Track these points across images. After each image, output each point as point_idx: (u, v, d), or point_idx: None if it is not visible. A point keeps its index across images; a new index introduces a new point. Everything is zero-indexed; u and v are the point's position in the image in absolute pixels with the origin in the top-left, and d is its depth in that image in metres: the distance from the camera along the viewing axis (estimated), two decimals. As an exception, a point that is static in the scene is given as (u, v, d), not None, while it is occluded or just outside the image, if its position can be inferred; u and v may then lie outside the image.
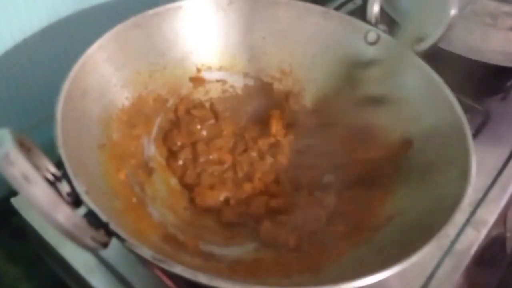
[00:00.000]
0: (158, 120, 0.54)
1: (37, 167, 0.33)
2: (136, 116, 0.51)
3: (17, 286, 0.57)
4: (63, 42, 0.56)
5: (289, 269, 0.42)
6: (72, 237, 0.28)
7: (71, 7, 0.56)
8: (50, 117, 0.39)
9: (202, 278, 0.31)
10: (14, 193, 0.49)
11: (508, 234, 0.60)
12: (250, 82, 0.59)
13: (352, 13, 0.57)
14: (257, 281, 0.39)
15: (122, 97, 0.50)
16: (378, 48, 0.54)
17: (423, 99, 0.50)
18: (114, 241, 0.34)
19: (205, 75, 0.57)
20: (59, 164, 0.35)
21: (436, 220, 0.39)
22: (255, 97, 0.59)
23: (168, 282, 0.45)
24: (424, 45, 0.52)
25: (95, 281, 0.46)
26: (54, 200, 0.27)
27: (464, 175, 0.41)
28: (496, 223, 0.54)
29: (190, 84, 0.57)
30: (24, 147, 0.32)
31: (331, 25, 0.56)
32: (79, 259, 0.47)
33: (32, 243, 0.54)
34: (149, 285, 0.45)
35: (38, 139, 0.36)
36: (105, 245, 0.32)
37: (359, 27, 0.55)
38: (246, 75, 0.59)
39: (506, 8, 0.61)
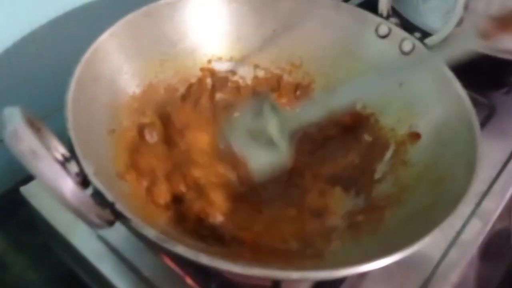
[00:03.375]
0: (168, 109, 0.54)
1: (46, 147, 0.33)
2: (147, 104, 0.52)
3: (24, 277, 0.58)
4: (70, 35, 0.57)
5: (293, 257, 0.42)
6: (78, 212, 0.29)
7: (78, 0, 0.56)
8: (58, 110, 0.40)
9: (203, 259, 0.31)
10: (22, 183, 0.50)
11: (513, 227, 0.60)
12: (260, 73, 0.59)
13: (360, 5, 0.57)
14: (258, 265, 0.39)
15: (133, 85, 0.50)
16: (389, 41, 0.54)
17: (433, 92, 0.50)
18: (123, 229, 0.35)
19: (216, 65, 0.58)
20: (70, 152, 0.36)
21: (440, 212, 0.39)
22: (264, 89, 0.59)
23: (176, 269, 0.46)
24: (435, 39, 0.52)
25: (105, 269, 0.47)
26: (61, 176, 0.28)
27: (470, 168, 0.41)
28: (501, 216, 0.54)
29: (201, 74, 0.57)
30: (34, 127, 0.32)
31: (342, 18, 0.56)
32: (88, 246, 0.48)
33: (41, 233, 0.54)
34: (158, 272, 0.46)
35: (51, 128, 0.36)
36: (111, 223, 0.32)
37: (370, 20, 0.55)
38: (256, 66, 0.59)
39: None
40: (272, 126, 0.47)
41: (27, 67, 0.56)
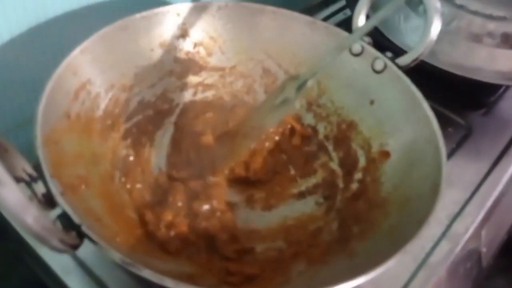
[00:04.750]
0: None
1: (12, 167, 0.33)
2: (119, 118, 0.52)
3: (-4, 285, 0.57)
4: (51, 43, 0.57)
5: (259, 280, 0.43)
6: (40, 239, 0.29)
7: (60, 7, 0.56)
8: (30, 121, 0.39)
9: (168, 283, 0.32)
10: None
11: (484, 249, 0.60)
12: (236, 86, 0.60)
13: (341, 23, 0.58)
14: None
15: (106, 99, 0.50)
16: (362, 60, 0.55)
17: (403, 112, 0.51)
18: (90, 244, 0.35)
19: (192, 79, 0.58)
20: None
21: (406, 233, 0.39)
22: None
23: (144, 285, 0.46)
24: (406, 59, 0.52)
25: (72, 283, 0.47)
26: (23, 202, 0.28)
27: (435, 190, 0.42)
28: (471, 238, 0.55)
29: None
30: (0, 148, 0.32)
31: (317, 35, 0.57)
32: (56, 260, 0.48)
33: (13, 243, 0.54)
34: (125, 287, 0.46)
35: (23, 138, 0.36)
36: (75, 247, 0.32)
37: (343, 38, 0.56)
38: (231, 82, 0.60)
39: (491, 25, 0.62)
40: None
41: (6, 74, 0.55)
